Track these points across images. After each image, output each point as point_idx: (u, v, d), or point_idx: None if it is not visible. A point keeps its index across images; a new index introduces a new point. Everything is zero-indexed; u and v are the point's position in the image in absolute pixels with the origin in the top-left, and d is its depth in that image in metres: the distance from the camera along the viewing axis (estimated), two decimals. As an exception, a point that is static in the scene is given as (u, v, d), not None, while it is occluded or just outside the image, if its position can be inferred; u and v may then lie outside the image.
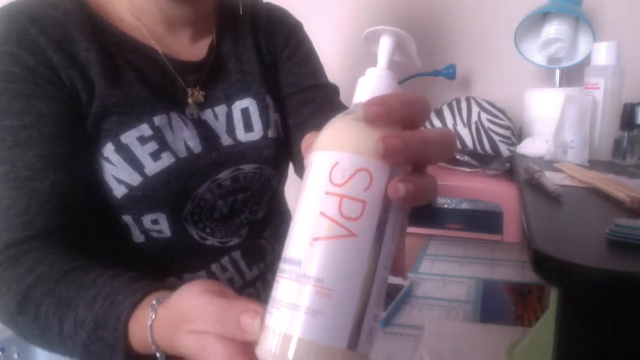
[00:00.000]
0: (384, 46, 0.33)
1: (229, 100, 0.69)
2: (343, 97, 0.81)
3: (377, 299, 0.30)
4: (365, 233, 0.29)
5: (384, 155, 0.28)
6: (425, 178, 0.30)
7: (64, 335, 0.47)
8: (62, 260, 0.52)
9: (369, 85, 0.32)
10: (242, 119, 0.69)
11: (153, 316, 0.39)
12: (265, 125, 0.70)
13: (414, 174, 0.30)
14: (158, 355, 0.40)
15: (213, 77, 0.69)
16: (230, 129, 0.68)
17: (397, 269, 0.31)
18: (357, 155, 0.29)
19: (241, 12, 0.74)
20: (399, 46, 0.34)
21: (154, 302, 0.40)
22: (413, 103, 0.30)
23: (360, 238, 0.29)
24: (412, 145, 0.29)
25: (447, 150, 0.31)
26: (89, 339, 0.45)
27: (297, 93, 0.75)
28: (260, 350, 0.30)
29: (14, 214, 0.54)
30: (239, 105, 0.69)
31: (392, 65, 0.33)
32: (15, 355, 0.95)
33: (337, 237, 0.28)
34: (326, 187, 0.29)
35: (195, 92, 0.67)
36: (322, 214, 0.29)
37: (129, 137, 0.60)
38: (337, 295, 0.28)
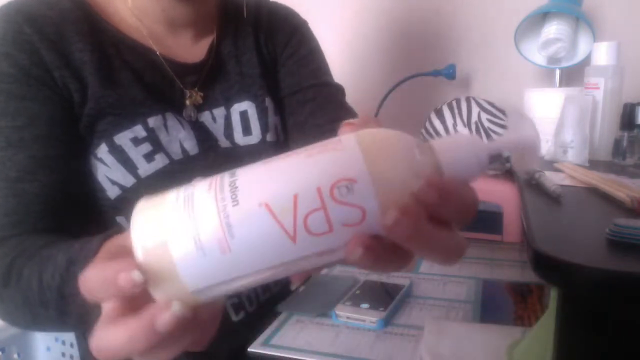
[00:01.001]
0: (517, 137, 0.30)
1: (227, 103, 0.69)
2: (346, 98, 0.80)
3: (252, 284, 0.28)
4: (303, 248, 0.27)
5: (390, 223, 0.26)
6: (395, 260, 0.28)
7: (42, 288, 0.46)
8: (48, 236, 0.52)
9: (460, 154, 0.28)
10: (241, 122, 0.69)
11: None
12: (264, 129, 0.70)
13: (388, 250, 0.27)
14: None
15: (212, 79, 0.69)
16: (229, 131, 0.68)
17: (294, 277, 0.30)
18: (374, 195, 0.26)
19: (245, 15, 0.73)
20: (524, 149, 0.30)
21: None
22: (465, 210, 0.27)
23: (295, 247, 0.27)
24: (419, 239, 0.26)
25: (452, 261, 0.29)
26: (62, 281, 0.44)
27: (298, 92, 0.75)
28: (140, 206, 0.29)
29: (2, 213, 0.55)
30: (237, 107, 0.69)
31: (498, 156, 0.30)
32: (15, 355, 0.95)
33: (280, 227, 0.26)
34: (323, 185, 0.26)
35: (194, 94, 0.67)
36: (295, 197, 0.26)
37: (123, 138, 0.60)
38: (229, 259, 0.27)
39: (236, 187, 0.27)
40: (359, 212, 0.26)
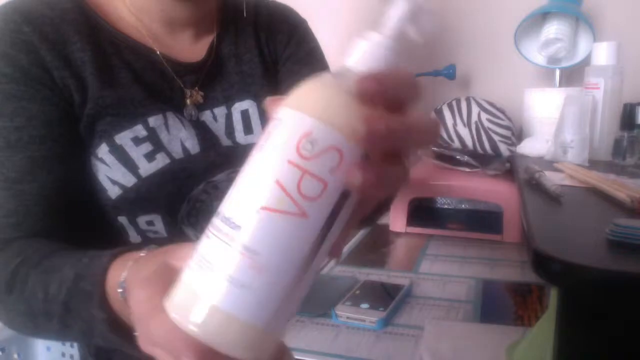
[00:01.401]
0: (397, 12, 0.30)
1: (228, 102, 0.69)
2: None
3: (306, 285, 0.28)
4: (317, 217, 0.27)
5: (364, 139, 0.26)
6: (394, 169, 0.28)
7: (48, 300, 0.46)
8: (51, 244, 0.52)
9: (369, 53, 0.29)
10: (242, 120, 0.69)
11: (130, 263, 0.38)
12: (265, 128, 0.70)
13: (383, 163, 0.28)
14: (120, 291, 0.39)
15: (212, 78, 0.69)
16: (230, 130, 0.68)
17: (334, 251, 0.30)
18: (334, 131, 0.26)
19: (245, 14, 0.73)
20: (413, 17, 0.30)
21: (141, 253, 0.39)
22: (409, 85, 0.28)
23: (310, 220, 0.27)
24: (397, 132, 0.26)
25: (430, 140, 0.30)
26: (69, 294, 0.44)
27: None
28: (169, 303, 0.28)
29: (2, 214, 0.55)
30: (238, 107, 0.69)
31: (400, 36, 0.30)
32: (15, 356, 0.95)
33: (287, 213, 0.26)
34: (291, 155, 0.26)
35: (194, 93, 0.67)
36: (278, 182, 0.26)
37: (124, 138, 0.60)
38: (268, 274, 0.27)
39: (228, 218, 0.27)
40: (334, 152, 0.26)
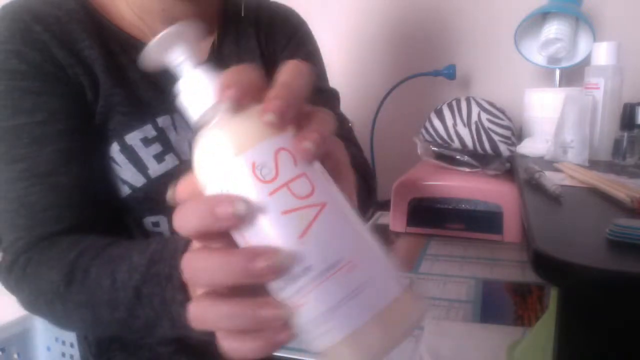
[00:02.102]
0: (182, 44, 0.32)
1: None
2: (343, 102, 0.80)
3: (371, 231, 0.29)
4: (329, 193, 0.28)
5: (277, 121, 0.27)
6: (318, 114, 0.30)
7: (116, 288, 0.44)
8: (104, 238, 0.51)
9: (200, 91, 0.30)
10: None
11: None
12: None
13: (307, 122, 0.29)
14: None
15: None
16: None
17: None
18: (264, 142, 0.27)
19: (243, 14, 0.73)
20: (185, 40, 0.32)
21: None
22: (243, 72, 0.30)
23: (330, 201, 0.28)
24: (290, 95, 0.28)
25: (310, 79, 0.31)
26: (142, 279, 0.43)
27: None
28: None
29: (39, 209, 0.54)
30: None
31: (196, 55, 0.32)
32: (15, 356, 0.95)
33: (317, 217, 0.27)
34: (265, 190, 0.27)
35: None
36: (285, 213, 0.27)
37: (134, 138, 0.60)
38: (360, 259, 0.27)
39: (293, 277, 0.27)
40: (282, 153, 0.27)
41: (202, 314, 0.29)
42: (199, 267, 0.28)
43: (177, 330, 0.42)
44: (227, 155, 0.27)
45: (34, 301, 0.52)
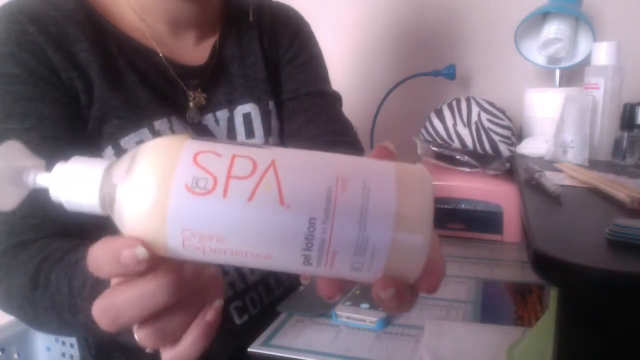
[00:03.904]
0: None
1: (231, 105, 0.69)
2: (344, 102, 0.80)
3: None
4: (268, 151, 0.27)
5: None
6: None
7: (72, 294, 0.45)
8: (72, 240, 0.51)
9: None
10: (244, 124, 0.69)
11: None
12: (267, 132, 0.69)
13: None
14: None
15: (215, 81, 0.69)
16: (232, 134, 0.68)
17: None
18: (178, 161, 0.26)
19: (250, 18, 0.72)
20: None
21: None
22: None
23: (275, 155, 0.27)
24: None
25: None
26: (93, 289, 0.43)
27: (294, 99, 0.73)
28: (410, 273, 0.27)
29: (20, 216, 0.54)
30: (241, 110, 0.69)
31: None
32: (15, 356, 0.95)
33: (278, 175, 0.26)
34: (217, 197, 0.25)
35: (197, 96, 0.66)
36: (249, 200, 0.25)
37: (129, 142, 0.59)
38: (341, 170, 0.26)
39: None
40: (207, 155, 0.26)
41: (110, 303, 0.28)
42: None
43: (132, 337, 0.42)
44: (161, 194, 0.25)
45: (8, 304, 0.53)
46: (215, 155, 0.26)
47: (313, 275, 0.27)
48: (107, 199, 0.28)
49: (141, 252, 0.25)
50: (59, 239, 0.53)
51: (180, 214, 0.25)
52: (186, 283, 0.27)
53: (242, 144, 0.28)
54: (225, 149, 0.27)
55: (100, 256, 0.27)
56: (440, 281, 0.29)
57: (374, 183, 0.26)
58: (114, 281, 0.29)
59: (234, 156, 0.26)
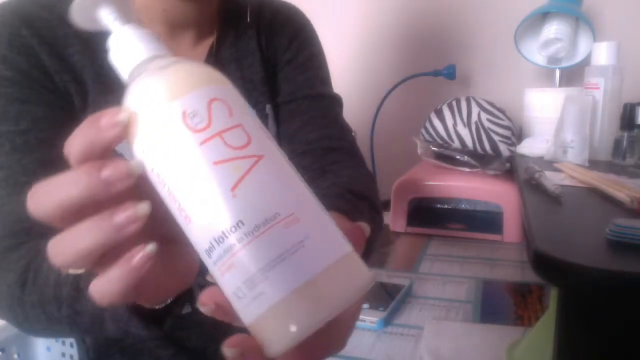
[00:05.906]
0: (111, 1, 0.30)
1: None
2: (345, 105, 0.79)
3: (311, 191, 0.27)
4: (268, 146, 0.27)
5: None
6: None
7: (59, 283, 0.44)
8: None
9: (135, 46, 0.29)
10: None
11: None
12: None
13: None
14: None
15: None
16: None
17: None
18: (196, 91, 0.26)
19: (248, 19, 0.72)
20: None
21: None
22: None
23: (268, 154, 0.26)
24: None
25: None
26: (77, 275, 0.43)
27: (291, 102, 0.72)
28: (271, 346, 0.25)
29: (13, 219, 0.54)
30: None
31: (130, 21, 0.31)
32: (15, 356, 0.95)
33: (252, 168, 0.25)
34: (195, 139, 0.25)
35: None
36: (216, 163, 0.25)
37: (124, 146, 0.59)
38: (298, 216, 0.25)
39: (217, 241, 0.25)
40: (216, 103, 0.27)
41: (61, 239, 0.28)
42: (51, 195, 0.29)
43: (120, 324, 0.42)
44: (156, 103, 0.26)
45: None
46: (228, 111, 0.27)
47: (210, 273, 0.26)
48: (135, 76, 0.29)
49: (124, 116, 0.26)
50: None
51: (158, 124, 0.26)
52: (110, 185, 0.27)
53: (257, 124, 0.28)
54: (239, 114, 0.27)
55: (77, 130, 0.28)
56: None
57: (312, 246, 0.25)
58: None
59: (239, 124, 0.26)
